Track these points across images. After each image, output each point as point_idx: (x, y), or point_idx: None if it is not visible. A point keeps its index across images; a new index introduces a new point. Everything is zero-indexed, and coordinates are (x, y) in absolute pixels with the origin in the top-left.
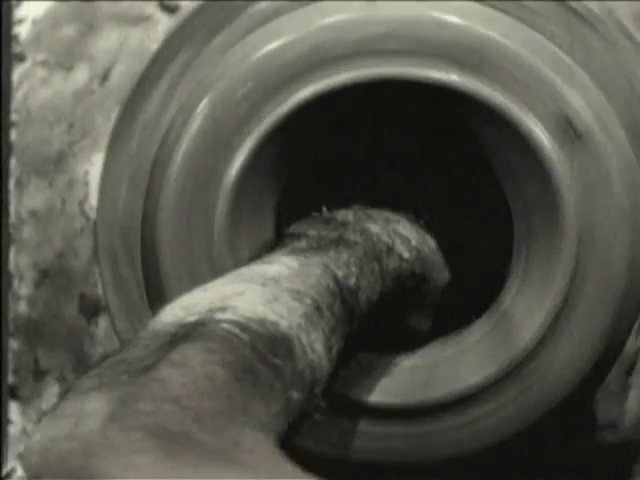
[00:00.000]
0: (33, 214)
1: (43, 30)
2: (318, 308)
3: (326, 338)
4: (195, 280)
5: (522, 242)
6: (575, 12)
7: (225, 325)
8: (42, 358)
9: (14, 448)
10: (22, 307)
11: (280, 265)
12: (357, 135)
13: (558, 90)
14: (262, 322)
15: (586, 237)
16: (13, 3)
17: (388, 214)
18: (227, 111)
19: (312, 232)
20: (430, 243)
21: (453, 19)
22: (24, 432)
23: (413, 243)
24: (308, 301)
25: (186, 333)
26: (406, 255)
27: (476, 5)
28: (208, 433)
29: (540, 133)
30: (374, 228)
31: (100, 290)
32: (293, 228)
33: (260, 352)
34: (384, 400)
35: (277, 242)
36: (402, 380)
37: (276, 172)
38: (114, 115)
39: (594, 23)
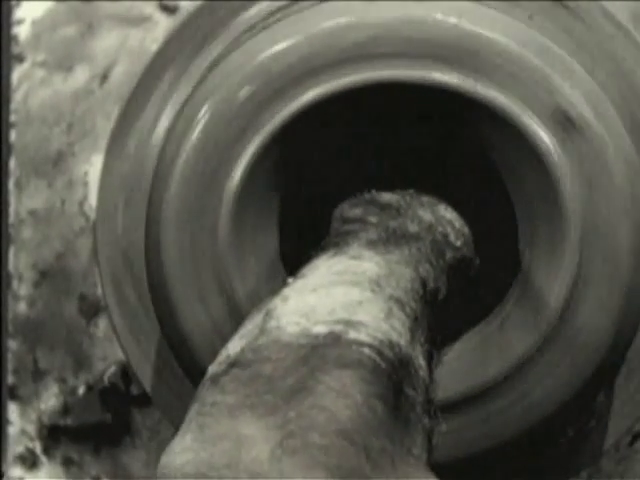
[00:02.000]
0: (32, 214)
1: (42, 31)
2: (416, 319)
3: (425, 351)
4: (201, 284)
5: (526, 232)
6: (565, 6)
7: (366, 350)
8: (41, 358)
9: (13, 449)
10: (21, 307)
11: (370, 263)
12: (359, 137)
13: (553, 83)
14: (391, 345)
15: (588, 221)
16: (12, 3)
17: (427, 197)
18: (227, 117)
19: (372, 219)
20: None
21: (449, 19)
22: (23, 433)
23: (457, 226)
24: (409, 311)
25: (318, 348)
26: (458, 243)
27: (469, 4)
28: (382, 474)
29: (537, 128)
30: (426, 216)
31: (99, 291)
32: (346, 210)
33: (396, 382)
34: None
35: (326, 225)
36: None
37: (280, 177)
38: (113, 116)
39: (583, 16)
